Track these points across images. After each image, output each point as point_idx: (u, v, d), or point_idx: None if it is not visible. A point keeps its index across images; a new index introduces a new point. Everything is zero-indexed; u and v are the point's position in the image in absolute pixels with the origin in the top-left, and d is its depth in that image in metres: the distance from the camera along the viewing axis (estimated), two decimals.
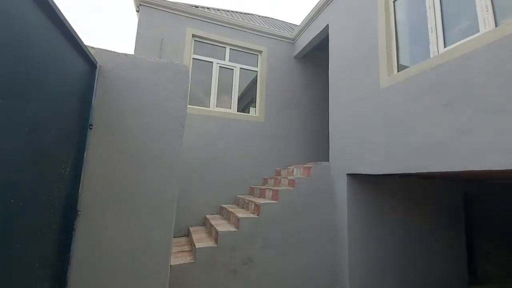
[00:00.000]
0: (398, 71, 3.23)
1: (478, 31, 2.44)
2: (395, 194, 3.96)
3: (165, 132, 2.04)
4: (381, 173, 3.19)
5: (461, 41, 2.55)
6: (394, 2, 3.40)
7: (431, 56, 2.84)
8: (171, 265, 2.17)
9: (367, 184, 3.78)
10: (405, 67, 3.22)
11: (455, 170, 2.38)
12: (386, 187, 3.90)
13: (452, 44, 2.67)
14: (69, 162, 1.57)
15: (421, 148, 2.67)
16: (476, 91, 2.23)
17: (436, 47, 2.82)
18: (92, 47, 1.81)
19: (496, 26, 2.28)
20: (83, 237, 1.73)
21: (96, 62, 1.80)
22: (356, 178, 3.73)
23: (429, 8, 2.93)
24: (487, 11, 2.36)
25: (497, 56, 2.11)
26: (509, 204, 5.05)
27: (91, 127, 1.78)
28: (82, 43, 1.54)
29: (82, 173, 1.72)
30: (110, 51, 1.92)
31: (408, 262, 3.89)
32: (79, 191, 1.71)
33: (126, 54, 1.97)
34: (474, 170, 2.25)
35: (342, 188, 3.76)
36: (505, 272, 4.68)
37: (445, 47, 2.76)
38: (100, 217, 1.80)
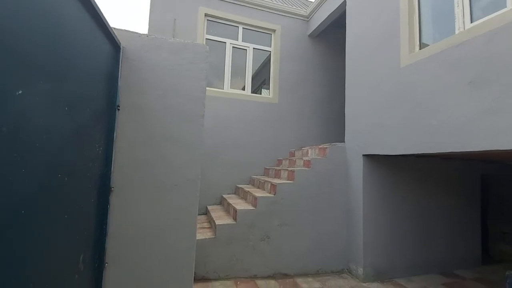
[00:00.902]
0: (420, 49, 3.10)
1: (505, 6, 2.31)
2: (412, 174, 3.95)
3: (187, 112, 2.08)
4: (399, 154, 3.17)
5: (488, 16, 2.43)
6: None
7: (456, 32, 2.71)
8: None
9: (383, 165, 3.77)
10: (426, 45, 3.10)
11: (477, 150, 2.35)
12: (403, 168, 3.88)
13: (479, 19, 2.54)
14: (101, 142, 1.66)
15: (442, 128, 2.63)
16: (503, 68, 2.14)
17: (462, 22, 2.69)
18: (115, 28, 1.82)
19: None
20: (116, 212, 1.85)
21: (120, 43, 1.83)
22: (372, 159, 3.72)
23: None
24: None
25: None
26: None
27: (118, 108, 1.85)
28: (108, 23, 1.56)
29: (113, 153, 1.81)
30: (132, 32, 1.94)
31: (423, 242, 3.94)
32: (112, 169, 1.80)
33: (147, 35, 1.99)
34: (497, 150, 2.21)
35: (358, 168, 3.77)
36: None
37: (471, 22, 2.63)
38: (131, 194, 1.90)
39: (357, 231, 3.70)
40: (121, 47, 1.86)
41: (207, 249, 3.18)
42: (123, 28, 1.89)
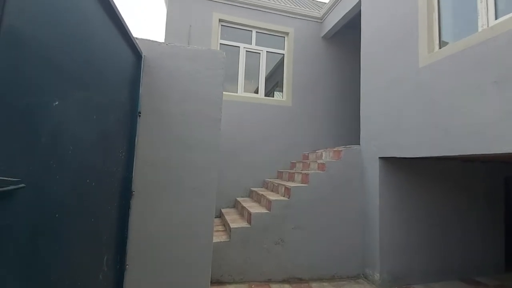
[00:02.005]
0: (440, 48, 3.03)
1: None
2: (430, 177, 3.83)
3: (204, 117, 2.13)
4: (417, 156, 3.09)
5: None
6: None
7: (480, 29, 2.62)
8: None
9: (400, 167, 3.68)
10: (446, 43, 3.02)
11: (502, 153, 2.26)
12: (421, 170, 3.78)
13: (505, 15, 2.44)
14: (124, 147, 1.72)
15: (463, 130, 2.54)
16: None
17: (485, 19, 2.59)
18: (137, 38, 1.89)
19: None
20: (136, 215, 1.91)
21: (142, 52, 1.89)
22: (388, 162, 3.65)
23: None
24: None
25: None
26: None
27: (139, 114, 1.91)
28: (131, 34, 1.63)
29: (135, 158, 1.87)
30: (153, 41, 2.00)
31: (442, 247, 3.81)
32: (133, 173, 1.86)
33: (167, 44, 2.05)
34: None
35: (374, 172, 3.70)
36: None
37: (496, 19, 2.53)
38: (150, 198, 1.97)
39: (374, 236, 3.63)
40: (143, 55, 1.93)
41: (221, 252, 3.21)
42: (144, 37, 1.96)
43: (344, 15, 4.90)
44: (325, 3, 6.57)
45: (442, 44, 3.06)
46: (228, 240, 3.28)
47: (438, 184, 3.88)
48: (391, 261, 3.55)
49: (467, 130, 2.51)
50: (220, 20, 5.02)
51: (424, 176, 3.81)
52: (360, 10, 4.49)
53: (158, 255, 1.97)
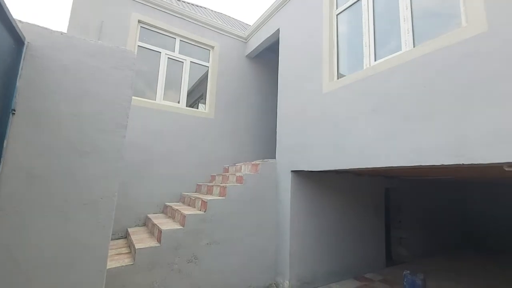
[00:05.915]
0: (337, 78, 3.59)
1: (400, 49, 2.87)
2: (332, 188, 4.40)
3: (105, 121, 1.87)
4: (321, 170, 3.51)
5: (387, 57, 2.97)
6: (337, 15, 3.76)
7: (364, 67, 3.24)
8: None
9: (309, 180, 4.11)
10: (343, 75, 3.61)
11: (378, 167, 2.78)
12: (325, 182, 4.30)
13: (380, 59, 3.09)
14: None
15: (353, 147, 3.04)
16: (395, 100, 2.65)
17: (368, 60, 3.23)
18: (20, 21, 1.55)
19: (414, 46, 2.73)
20: None
21: (24, 38, 1.55)
22: (299, 175, 4.02)
23: (365, 25, 3.34)
24: (408, 33, 2.81)
25: (411, 71, 2.55)
26: (417, 197, 6.10)
27: (13, 112, 1.54)
28: (10, 14, 1.32)
29: (1, 165, 1.47)
30: (42, 27, 1.68)
31: (340, 250, 4.37)
32: None
33: (62, 33, 1.75)
34: (392, 167, 2.68)
35: (286, 184, 4.01)
36: (414, 254, 5.64)
37: (375, 60, 3.18)
38: (22, 217, 1.56)
39: (285, 244, 3.87)
40: (26, 42, 1.59)
41: (123, 279, 2.79)
42: (32, 22, 1.62)
43: (265, 39, 5.33)
44: (250, 25, 7.02)
45: (340, 75, 3.65)
46: (131, 263, 2.90)
47: (339, 195, 4.48)
48: (299, 267, 3.84)
49: (356, 148, 3.01)
50: (139, 21, 4.69)
51: (329, 188, 4.34)
52: (278, 38, 4.97)
53: None
